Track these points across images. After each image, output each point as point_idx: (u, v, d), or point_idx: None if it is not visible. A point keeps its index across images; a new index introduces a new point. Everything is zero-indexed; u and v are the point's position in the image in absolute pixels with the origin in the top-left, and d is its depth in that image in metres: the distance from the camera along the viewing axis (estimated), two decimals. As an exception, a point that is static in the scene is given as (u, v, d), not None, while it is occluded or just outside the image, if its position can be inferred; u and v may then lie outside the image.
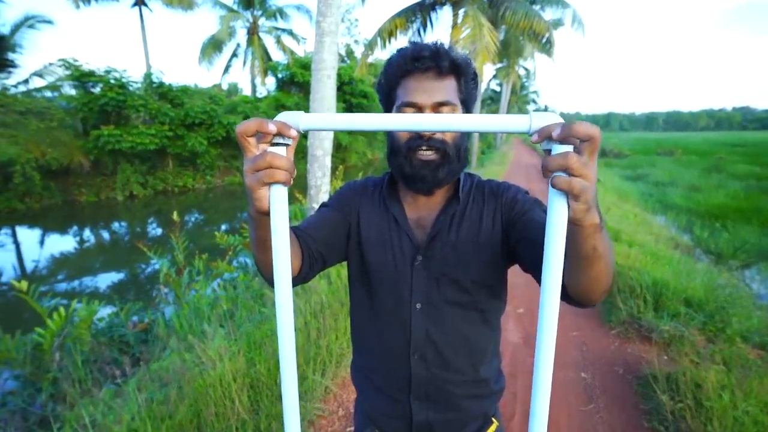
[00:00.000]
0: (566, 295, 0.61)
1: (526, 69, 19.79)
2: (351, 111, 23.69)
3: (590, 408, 2.17)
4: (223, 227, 12.13)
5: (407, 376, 0.80)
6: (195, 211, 14.72)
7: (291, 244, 0.66)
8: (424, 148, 0.72)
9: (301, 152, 21.03)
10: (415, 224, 0.81)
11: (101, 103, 13.85)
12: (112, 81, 14.17)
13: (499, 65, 16.75)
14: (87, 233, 11.87)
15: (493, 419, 0.88)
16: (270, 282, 0.64)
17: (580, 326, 3.09)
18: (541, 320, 0.45)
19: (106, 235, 11.86)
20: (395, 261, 0.79)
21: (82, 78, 13.80)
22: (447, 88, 0.73)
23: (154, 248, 4.63)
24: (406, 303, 0.79)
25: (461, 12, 8.20)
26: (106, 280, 7.94)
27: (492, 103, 44.07)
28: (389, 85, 0.77)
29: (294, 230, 0.75)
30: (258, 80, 22.56)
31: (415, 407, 0.81)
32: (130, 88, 14.73)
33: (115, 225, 12.80)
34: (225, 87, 24.37)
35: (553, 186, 0.44)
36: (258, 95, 22.47)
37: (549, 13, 11.06)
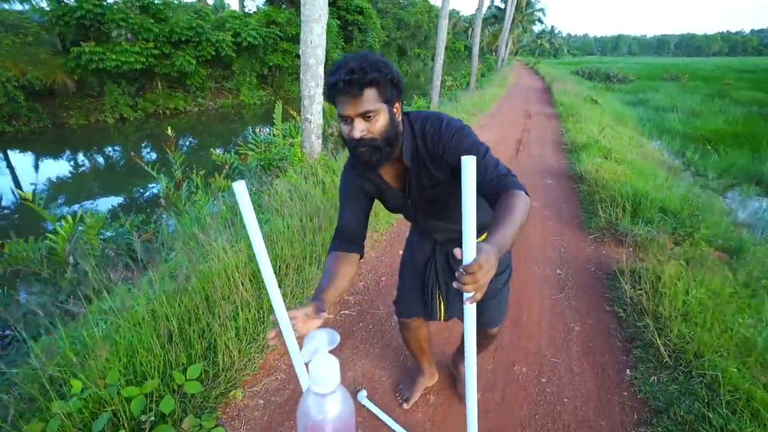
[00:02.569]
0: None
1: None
2: (346, 27, 22.24)
3: (561, 297, 2.42)
4: (219, 150, 12.00)
5: (413, 219, 1.29)
6: (188, 134, 14.44)
7: (350, 265, 1.09)
8: (361, 146, 0.97)
9: (295, 72, 20.14)
10: (394, 183, 1.14)
11: (78, 16, 12.91)
12: (87, -10, 13.05)
13: (505, -24, 15.41)
14: (81, 157, 11.76)
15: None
16: None
17: (562, 231, 3.29)
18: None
19: (100, 158, 11.75)
20: (396, 203, 1.19)
21: (53, -13, 12.70)
22: (366, 101, 0.92)
23: (151, 167, 4.68)
24: (410, 216, 1.26)
25: None
26: (105, 203, 8.05)
27: (495, 21, 41.16)
28: (329, 97, 0.97)
29: (343, 238, 1.12)
30: (245, -8, 20.80)
31: (437, 237, 1.31)
32: (109, 1, 13.63)
33: (109, 148, 12.62)
34: (210, 1, 22.48)
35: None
36: (247, 10, 20.88)
37: None
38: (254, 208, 2.77)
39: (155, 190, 8.62)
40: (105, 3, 13.44)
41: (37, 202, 3.41)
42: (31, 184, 9.16)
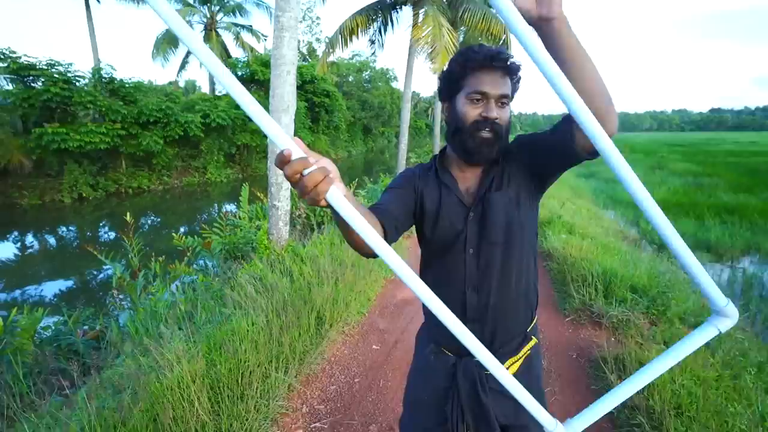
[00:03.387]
0: (578, 145, 0.80)
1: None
2: (313, 109, 23.45)
3: (547, 391, 2.28)
4: (182, 229, 11.65)
5: (463, 304, 1.00)
6: (151, 213, 14.03)
7: (376, 225, 0.85)
8: (487, 129, 0.91)
9: (263, 151, 20.62)
10: (465, 191, 1.01)
11: (44, 99, 12.94)
12: (56, 75, 13.25)
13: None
14: (30, 238, 11.04)
15: (533, 337, 1.07)
16: (360, 253, 0.85)
17: (538, 313, 3.22)
18: None
19: (51, 240, 11.06)
20: (451, 220, 0.99)
21: (20, 71, 12.82)
22: (507, 85, 0.92)
23: (106, 252, 4.39)
24: (460, 250, 0.98)
25: (421, 12, 8.31)
26: (52, 288, 7.41)
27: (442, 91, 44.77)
28: (460, 74, 0.93)
29: (373, 209, 0.93)
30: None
31: (469, 328, 0.90)
32: (78, 84, 13.84)
33: (63, 229, 11.97)
34: (182, 84, 23.38)
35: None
36: (218, 93, 21.77)
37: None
38: (216, 302, 2.55)
39: (110, 272, 8.08)
40: (73, 86, 13.61)
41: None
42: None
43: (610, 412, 2.03)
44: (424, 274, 1.08)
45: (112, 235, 11.15)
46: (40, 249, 10.37)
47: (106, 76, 14.87)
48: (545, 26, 0.64)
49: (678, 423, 1.84)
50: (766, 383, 2.33)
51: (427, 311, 1.08)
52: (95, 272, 8.16)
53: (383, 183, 9.29)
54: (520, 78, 0.95)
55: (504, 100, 0.92)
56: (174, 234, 5.30)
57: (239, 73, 20.12)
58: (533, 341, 1.07)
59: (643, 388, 2.07)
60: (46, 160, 13.85)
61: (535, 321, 1.10)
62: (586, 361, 2.54)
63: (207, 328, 2.54)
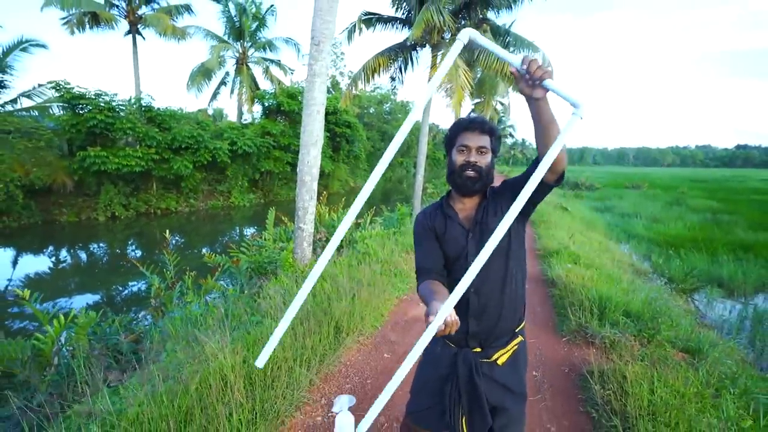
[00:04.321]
0: (545, 181, 1.18)
1: (502, 104, 20.96)
2: (335, 139, 24.41)
3: (537, 398, 2.55)
4: (204, 249, 12.17)
5: (467, 303, 1.31)
6: (177, 233, 14.71)
7: (439, 286, 1.24)
8: (470, 170, 1.30)
9: (285, 177, 21.43)
10: (464, 219, 1.37)
11: (90, 125, 14.03)
12: (102, 104, 14.42)
13: (476, 100, 17.75)
14: (64, 253, 11.75)
15: (519, 335, 1.38)
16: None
17: (538, 334, 3.49)
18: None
19: (84, 255, 11.75)
20: (457, 242, 1.35)
21: (72, 100, 14.01)
22: (485, 140, 1.31)
23: (142, 266, 4.84)
24: (463, 262, 1.33)
25: (439, 54, 8.94)
26: (82, 301, 7.87)
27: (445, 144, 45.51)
28: (453, 135, 1.35)
29: (429, 272, 1.33)
30: (245, 108, 23.11)
31: (470, 323, 1.32)
32: (120, 112, 14.98)
33: (97, 245, 12.69)
34: (210, 112, 24.75)
35: (540, 79, 0.99)
36: (243, 122, 22.97)
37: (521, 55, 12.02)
38: (246, 311, 2.96)
39: (135, 289, 8.58)
40: (116, 114, 14.75)
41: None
42: (6, 280, 9.01)
43: (591, 416, 2.30)
44: (449, 279, 1.43)
45: (139, 252, 11.75)
46: (73, 263, 11.00)
47: (145, 105, 16.07)
48: (532, 102, 1.05)
49: (650, 426, 2.08)
50: (746, 404, 2.54)
51: None
52: (121, 288, 8.66)
53: (400, 212, 9.68)
54: (498, 135, 1.36)
55: (482, 149, 1.30)
56: (205, 252, 5.78)
57: (266, 104, 21.29)
58: (519, 339, 1.38)
59: (622, 395, 2.33)
60: (86, 180, 14.85)
61: (522, 325, 1.41)
62: (577, 375, 2.80)
63: (239, 332, 2.91)
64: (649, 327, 3.30)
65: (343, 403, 0.71)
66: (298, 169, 4.11)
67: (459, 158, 1.32)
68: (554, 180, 1.20)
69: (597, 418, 2.30)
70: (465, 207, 1.37)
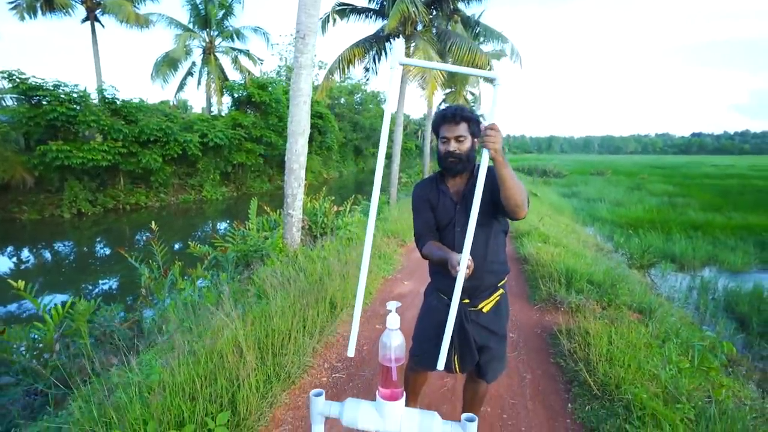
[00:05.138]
0: (504, 213, 1.48)
1: (473, 94, 21.46)
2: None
3: (514, 354, 2.89)
4: (177, 245, 11.98)
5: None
6: (147, 230, 14.37)
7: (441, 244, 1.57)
8: (451, 158, 1.53)
9: (257, 170, 21.21)
10: (454, 193, 1.61)
11: (49, 118, 13.43)
12: (63, 96, 13.82)
13: (447, 90, 18.13)
14: (26, 253, 11.30)
15: (501, 288, 1.65)
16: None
17: (513, 304, 3.82)
18: None
19: (49, 254, 11.32)
20: (447, 212, 1.60)
21: (28, 92, 13.35)
22: (461, 129, 1.51)
23: (107, 266, 4.85)
24: (452, 230, 1.59)
25: (413, 45, 9.18)
26: (49, 302, 7.66)
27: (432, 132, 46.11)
28: (435, 127, 1.57)
29: (428, 235, 1.62)
30: (214, 99, 22.58)
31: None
32: (81, 105, 14.38)
33: (62, 243, 12.26)
34: (173, 103, 23.96)
35: (484, 146, 1.25)
36: (212, 113, 22.47)
37: (490, 46, 12.45)
38: (242, 294, 3.17)
39: (105, 287, 8.47)
40: (77, 107, 14.16)
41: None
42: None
43: (560, 364, 2.65)
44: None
45: (108, 250, 11.43)
46: (36, 263, 10.60)
47: (108, 96, 15.49)
48: (493, 163, 1.29)
49: (608, 367, 2.46)
50: (685, 351, 2.97)
51: (433, 272, 1.73)
52: (90, 286, 8.48)
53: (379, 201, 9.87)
54: (476, 120, 1.55)
55: (460, 138, 1.52)
56: (190, 243, 5.84)
57: (236, 95, 20.90)
58: (501, 291, 1.65)
59: (585, 347, 2.70)
60: (48, 176, 14.22)
61: (504, 281, 1.68)
62: (547, 335, 3.17)
63: (241, 309, 3.11)
64: (609, 293, 3.73)
65: (392, 305, 0.96)
66: (286, 158, 4.28)
67: (442, 148, 1.55)
68: (511, 215, 1.48)
69: (564, 365, 2.66)
70: (455, 183, 1.61)
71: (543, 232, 6.66)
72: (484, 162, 1.22)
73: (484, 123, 1.29)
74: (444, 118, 1.52)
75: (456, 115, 1.50)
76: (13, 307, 7.05)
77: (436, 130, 1.57)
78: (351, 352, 1.12)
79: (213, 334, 2.50)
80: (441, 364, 1.29)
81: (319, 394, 1.02)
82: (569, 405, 2.26)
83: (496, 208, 1.53)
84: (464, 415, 0.93)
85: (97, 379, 2.24)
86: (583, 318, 3.21)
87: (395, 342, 0.92)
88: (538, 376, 2.59)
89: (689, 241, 9.27)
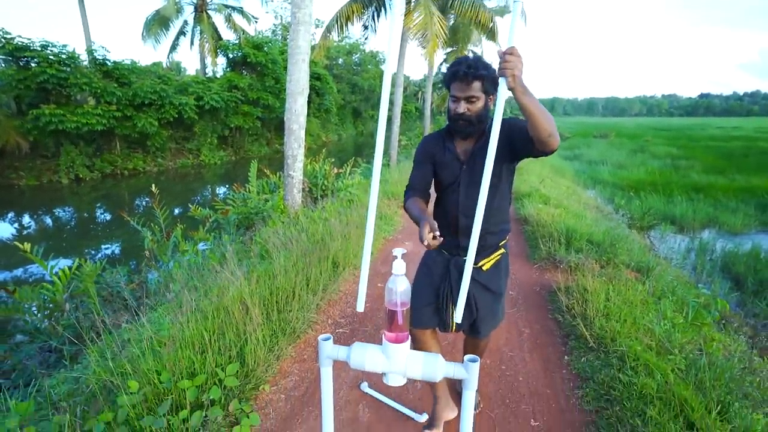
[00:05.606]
0: (534, 150, 1.31)
1: (474, 53, 20.78)
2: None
3: (513, 310, 2.97)
4: (177, 211, 11.99)
5: (456, 224, 1.55)
6: (146, 195, 14.35)
7: (424, 204, 1.49)
8: (460, 120, 1.41)
9: (255, 133, 20.90)
10: (461, 152, 1.52)
11: (39, 80, 13.07)
12: (51, 57, 13.37)
13: (449, 49, 17.54)
14: (27, 219, 11.33)
15: (502, 248, 1.63)
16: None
17: (513, 263, 3.88)
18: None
19: (49, 219, 11.35)
20: (452, 171, 1.52)
21: (15, 52, 12.90)
22: (473, 88, 1.37)
23: (109, 231, 4.88)
24: (456, 190, 1.52)
25: (413, 0, 8.78)
26: (55, 266, 7.76)
27: (443, 86, 45.07)
28: (447, 83, 1.42)
29: (415, 190, 1.55)
30: (208, 60, 21.86)
31: (460, 239, 1.56)
32: (72, 67, 13.94)
33: (62, 209, 12.28)
34: (165, 65, 23.22)
35: (500, 74, 1.08)
36: (207, 75, 21.84)
37: (494, 1, 11.92)
38: (244, 255, 3.19)
39: (108, 251, 8.56)
40: (67, 69, 13.74)
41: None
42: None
43: (558, 320, 2.73)
44: (437, 203, 1.66)
45: (108, 216, 11.46)
46: (37, 228, 10.65)
47: (99, 57, 14.99)
48: (512, 92, 1.13)
49: (604, 322, 2.53)
50: (680, 307, 3.04)
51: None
52: (93, 251, 8.56)
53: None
54: (491, 76, 1.37)
55: (472, 98, 1.38)
56: (191, 206, 5.85)
57: (231, 56, 20.23)
58: (501, 251, 1.62)
59: (583, 303, 2.77)
60: (42, 141, 14.01)
61: (505, 241, 1.65)
62: (546, 292, 3.24)
63: (245, 268, 3.15)
64: (608, 252, 3.78)
65: (398, 251, 0.98)
66: (285, 118, 4.20)
67: (452, 107, 1.42)
68: (541, 152, 1.31)
69: (562, 321, 2.74)
70: (463, 143, 1.52)
71: (544, 193, 6.65)
72: (501, 99, 1.07)
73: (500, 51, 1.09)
74: (455, 76, 1.37)
75: (468, 74, 1.35)
76: (19, 272, 7.17)
77: (447, 85, 1.44)
78: (360, 307, 1.13)
79: (219, 292, 2.55)
80: (458, 317, 1.24)
81: (327, 339, 1.05)
82: (565, 357, 2.34)
83: (514, 154, 1.45)
84: (467, 357, 0.96)
85: (109, 336, 2.31)
86: (582, 276, 3.26)
87: (401, 287, 0.94)
88: (536, 330, 2.66)
89: (690, 203, 9.27)
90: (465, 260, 1.49)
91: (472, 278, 1.52)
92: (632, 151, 20.97)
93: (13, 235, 9.91)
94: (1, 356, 3.19)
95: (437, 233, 1.20)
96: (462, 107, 1.38)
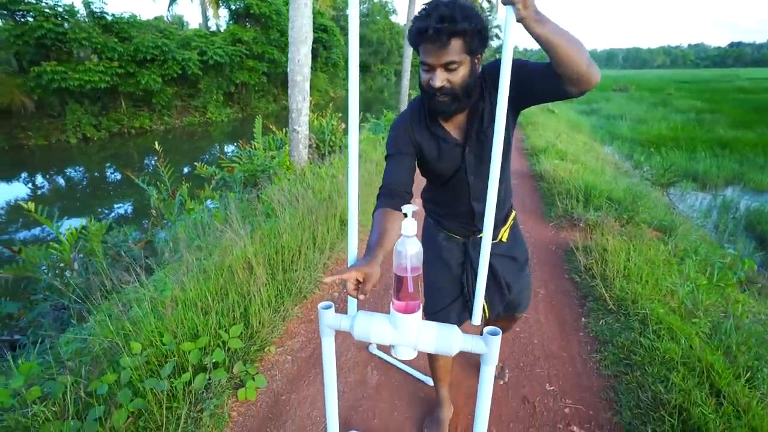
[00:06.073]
0: (569, 89, 0.94)
1: (489, 1, 19.47)
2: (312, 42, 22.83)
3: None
4: (186, 170, 11.91)
5: (471, 211, 1.24)
6: (155, 154, 14.23)
7: (398, 221, 1.00)
8: (438, 95, 0.99)
9: (261, 89, 20.36)
10: (456, 134, 1.12)
11: (37, 36, 12.67)
12: (47, 10, 12.87)
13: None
14: (40, 179, 11.39)
15: (513, 211, 1.38)
16: None
17: (527, 222, 3.76)
18: None
19: (62, 179, 11.39)
20: (453, 160, 1.15)
21: (9, 5, 12.42)
22: (451, 51, 0.94)
23: (120, 191, 4.82)
24: (464, 179, 1.17)
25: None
26: (73, 224, 7.85)
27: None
28: (414, 44, 1.00)
29: (388, 190, 1.07)
30: (210, 12, 20.93)
31: (475, 206, 1.22)
32: (70, 21, 13.44)
33: (74, 169, 12.30)
34: (167, 19, 22.31)
35: (505, 1, 0.79)
36: (209, 28, 20.99)
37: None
38: (250, 213, 3.07)
39: (120, 211, 8.60)
40: (66, 24, 13.26)
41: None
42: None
43: (575, 280, 2.62)
44: (437, 194, 1.30)
45: (118, 176, 11.42)
46: (51, 188, 10.70)
47: (96, 10, 14.41)
48: (522, 23, 0.83)
49: (625, 283, 2.41)
50: (703, 268, 2.90)
51: (434, 212, 1.35)
52: (107, 210, 8.60)
53: (386, 118, 9.51)
54: (477, 27, 0.94)
55: (451, 65, 0.95)
56: (196, 164, 5.74)
57: (233, 7, 19.32)
58: (513, 212, 1.39)
59: (602, 263, 2.64)
60: (47, 100, 13.84)
61: (512, 198, 1.40)
62: (563, 252, 3.11)
63: (250, 228, 3.07)
64: (629, 210, 3.59)
65: (409, 209, 0.84)
66: (288, 69, 3.96)
67: (424, 78, 1.01)
68: (579, 92, 0.95)
69: (579, 281, 2.62)
70: (455, 119, 1.12)
71: (560, 149, 6.36)
72: (508, 36, 0.80)
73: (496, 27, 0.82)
74: (422, 36, 0.94)
75: (442, 31, 0.91)
76: (36, 231, 7.27)
77: (414, 46, 1.01)
78: (353, 261, 0.98)
79: (222, 252, 2.47)
80: (477, 319, 1.06)
81: (328, 307, 0.95)
82: (582, 319, 2.24)
83: (528, 102, 1.07)
84: (487, 328, 0.85)
85: (113, 297, 2.27)
86: (601, 235, 3.11)
87: (411, 250, 0.81)
88: (551, 291, 2.56)
89: (714, 159, 8.84)
90: (482, 238, 1.27)
91: (497, 255, 1.28)
92: (653, 104, 20.00)
93: (28, 195, 10.01)
94: (17, 314, 3.23)
95: (366, 289, 0.87)
96: (439, 79, 0.97)
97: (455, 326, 0.88)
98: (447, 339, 0.84)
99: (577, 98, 1.01)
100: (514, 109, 1.09)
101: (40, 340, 2.85)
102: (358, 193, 0.92)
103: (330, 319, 0.93)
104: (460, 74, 0.97)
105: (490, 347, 0.83)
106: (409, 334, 0.86)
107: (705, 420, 1.44)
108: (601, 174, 4.92)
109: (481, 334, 0.85)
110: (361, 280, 0.87)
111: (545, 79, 0.97)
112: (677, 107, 18.75)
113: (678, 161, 8.63)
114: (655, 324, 2.00)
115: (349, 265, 0.92)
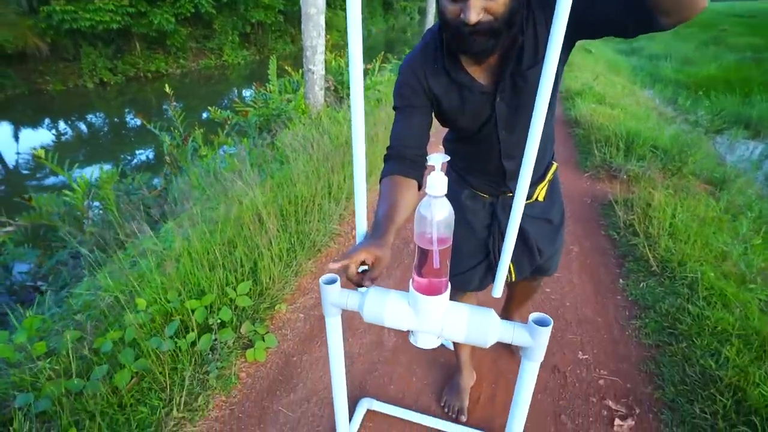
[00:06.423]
0: (651, 22, 0.70)
1: None
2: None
3: (559, 226, 2.63)
4: (204, 115, 11.69)
5: (502, 170, 1.03)
6: (174, 98, 13.99)
7: (410, 190, 0.85)
8: (474, 36, 0.74)
9: (278, 30, 19.40)
10: (485, 80, 0.87)
11: (43, -30, 12.13)
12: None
13: None
14: (63, 125, 11.41)
15: (553, 162, 1.19)
16: None
17: (560, 170, 3.47)
18: None
19: (83, 125, 11.41)
20: (479, 111, 0.91)
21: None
22: None
23: (141, 137, 4.68)
24: (493, 135, 0.94)
25: None
26: (94, 172, 7.91)
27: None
28: None
29: (408, 166, 0.88)
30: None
31: (506, 164, 1.01)
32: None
33: (94, 115, 12.28)
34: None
35: None
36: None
37: None
38: (264, 160, 2.87)
39: (144, 157, 8.58)
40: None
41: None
42: (15, 153, 8.96)
43: (613, 237, 2.39)
44: (456, 141, 1.09)
45: (138, 122, 11.33)
46: (74, 135, 10.74)
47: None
48: None
49: (671, 242, 2.17)
50: (758, 227, 2.60)
51: (457, 165, 1.15)
52: (129, 157, 8.57)
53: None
54: None
55: None
56: (210, 108, 5.52)
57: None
58: (554, 166, 1.18)
59: (645, 219, 2.39)
60: (61, 43, 13.57)
61: (554, 148, 1.18)
62: (599, 205, 2.85)
63: (263, 177, 2.90)
64: (676, 160, 3.24)
65: (437, 159, 0.64)
66: (301, 2, 3.57)
67: (450, 10, 0.74)
68: (679, 19, 0.69)
69: (617, 238, 2.39)
70: (484, 64, 0.87)
71: (598, 92, 5.81)
72: None
73: None
74: None
75: None
76: (55, 179, 7.33)
77: None
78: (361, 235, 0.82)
79: (229, 201, 2.33)
80: (498, 291, 0.93)
81: (332, 281, 0.77)
82: (620, 281, 2.04)
83: (595, 29, 0.78)
84: (533, 316, 0.66)
85: (122, 249, 2.19)
86: (644, 188, 2.82)
87: (439, 214, 0.61)
88: (586, 248, 2.35)
89: (772, 103, 8.00)
90: (512, 197, 1.03)
91: (529, 217, 1.09)
92: (703, 42, 18.10)
93: (53, 141, 10.10)
94: (36, 261, 3.26)
95: (375, 275, 0.69)
96: (474, 10, 0.70)
97: (492, 311, 0.70)
98: (481, 327, 0.67)
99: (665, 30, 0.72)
100: (568, 44, 0.82)
101: (60, 286, 2.87)
102: (365, 161, 0.72)
103: (335, 297, 0.76)
104: (502, 1, 0.71)
105: (536, 340, 0.65)
106: (432, 320, 0.68)
107: (766, 402, 1.27)
108: (645, 120, 4.45)
109: (526, 322, 0.67)
110: (369, 264, 0.69)
111: (619, 9, 0.72)
112: (732, 45, 16.94)
113: (729, 106, 7.85)
114: (705, 290, 1.79)
115: (357, 242, 0.74)
